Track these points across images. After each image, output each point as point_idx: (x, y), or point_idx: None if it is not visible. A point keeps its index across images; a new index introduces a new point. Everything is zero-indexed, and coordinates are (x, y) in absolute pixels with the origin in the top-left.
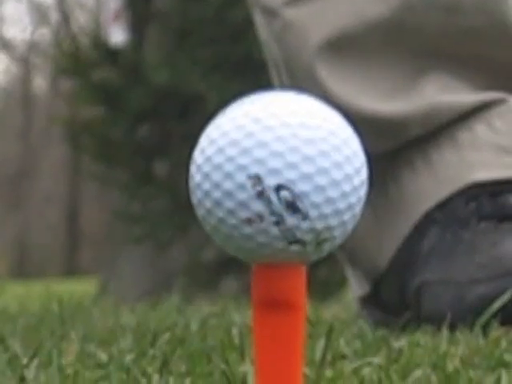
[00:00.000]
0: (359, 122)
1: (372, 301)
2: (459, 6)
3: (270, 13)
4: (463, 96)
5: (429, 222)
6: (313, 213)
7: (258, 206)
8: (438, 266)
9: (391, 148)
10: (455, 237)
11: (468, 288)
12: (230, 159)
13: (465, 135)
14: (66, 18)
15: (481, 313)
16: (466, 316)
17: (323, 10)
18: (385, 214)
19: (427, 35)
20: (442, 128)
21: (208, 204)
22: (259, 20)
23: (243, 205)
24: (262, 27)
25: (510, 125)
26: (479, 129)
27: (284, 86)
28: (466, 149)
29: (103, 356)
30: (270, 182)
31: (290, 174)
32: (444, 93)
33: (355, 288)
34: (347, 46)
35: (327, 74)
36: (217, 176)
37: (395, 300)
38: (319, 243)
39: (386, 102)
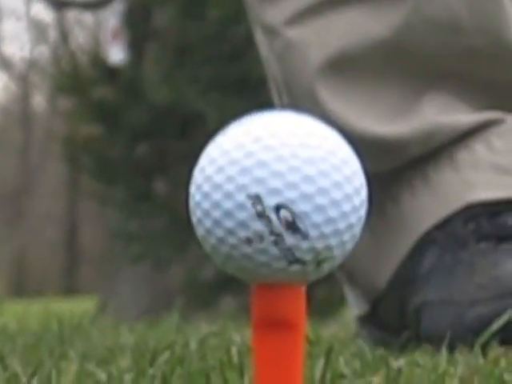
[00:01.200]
0: (359, 143)
1: (371, 320)
2: (460, 26)
3: (272, 32)
4: (462, 116)
5: (428, 242)
6: (313, 232)
7: (257, 226)
8: (437, 286)
9: (390, 168)
10: (454, 257)
11: (468, 308)
12: (230, 179)
13: (464, 155)
14: (65, 36)
15: (480, 333)
16: (465, 336)
17: (324, 30)
18: (384, 234)
19: (427, 55)
20: (441, 148)
21: (208, 223)
22: (260, 38)
23: (243, 224)
24: (263, 46)
25: (508, 144)
26: (478, 149)
27: (284, 105)
28: (465, 169)
29: (102, 375)
30: (270, 201)
31: (290, 194)
32: (443, 113)
33: (354, 307)
34: (348, 66)
35: (327, 95)
36: (217, 195)
37: (394, 319)
38: (319, 263)
39: (386, 124)
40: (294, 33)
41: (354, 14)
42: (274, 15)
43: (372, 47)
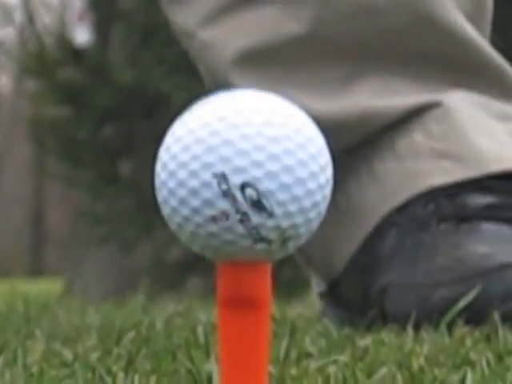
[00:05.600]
0: None
1: (334, 299)
2: (377, 8)
3: (188, 35)
4: (398, 100)
5: (388, 224)
6: (278, 211)
7: (223, 204)
8: (400, 269)
9: (345, 147)
10: (415, 239)
11: (431, 291)
12: (196, 157)
13: (403, 144)
14: (30, 17)
15: (445, 314)
16: (430, 317)
17: (235, 29)
18: (337, 223)
19: (350, 42)
20: (380, 134)
21: (173, 202)
22: (183, 43)
23: (208, 203)
24: (187, 49)
25: (445, 129)
26: (416, 135)
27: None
28: (405, 157)
29: (68, 355)
30: (236, 180)
31: (256, 172)
32: (378, 97)
33: (316, 286)
34: (263, 57)
35: (242, 83)
36: (182, 174)
37: (358, 300)
38: (284, 241)
39: (319, 102)
40: (207, 34)
41: (266, 12)
42: (186, 18)
43: (286, 41)
